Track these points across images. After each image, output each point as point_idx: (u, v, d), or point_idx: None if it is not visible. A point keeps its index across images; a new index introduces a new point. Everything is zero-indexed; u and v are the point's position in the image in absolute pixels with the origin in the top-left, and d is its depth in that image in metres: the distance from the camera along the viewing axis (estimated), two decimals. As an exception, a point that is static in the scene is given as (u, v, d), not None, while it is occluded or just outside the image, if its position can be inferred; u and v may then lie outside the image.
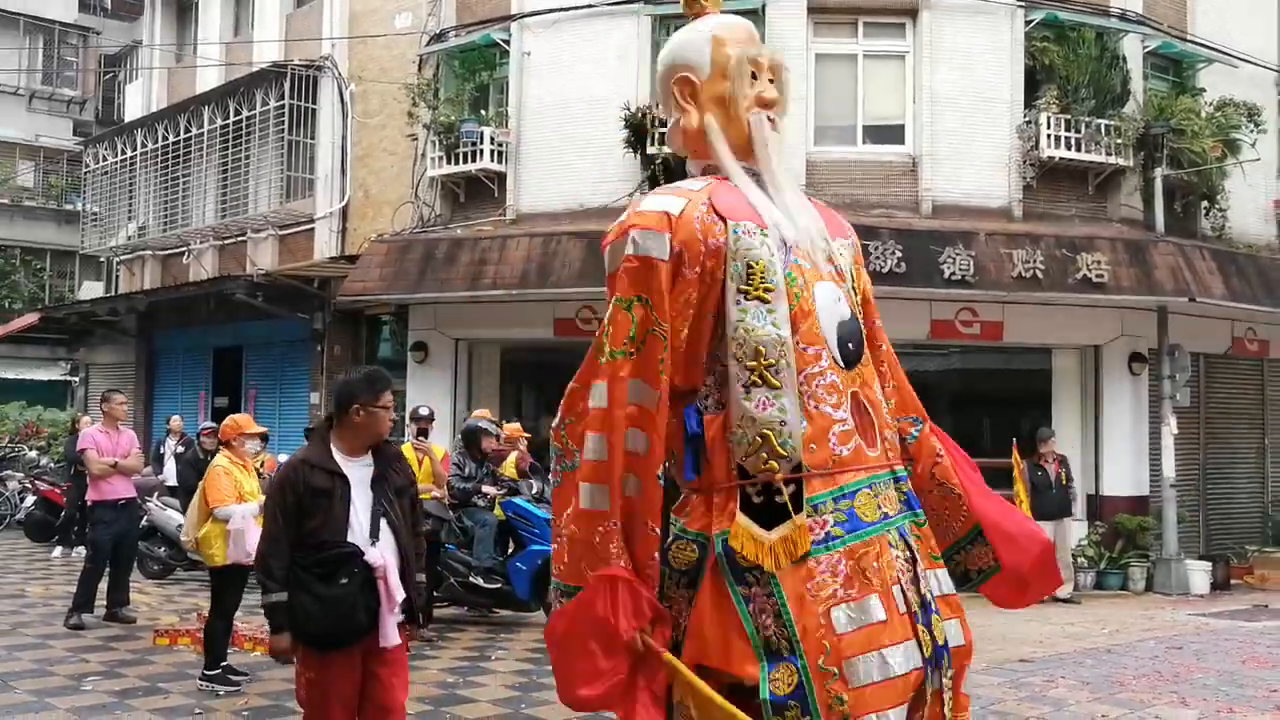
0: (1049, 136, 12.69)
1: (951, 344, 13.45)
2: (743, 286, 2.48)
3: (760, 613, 2.39)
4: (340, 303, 14.47)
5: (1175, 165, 13.30)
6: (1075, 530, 12.68)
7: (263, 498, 6.47)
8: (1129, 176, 13.37)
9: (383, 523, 4.20)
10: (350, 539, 4.11)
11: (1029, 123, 12.87)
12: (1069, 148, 12.78)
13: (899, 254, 11.89)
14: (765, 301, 2.48)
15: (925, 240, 12.12)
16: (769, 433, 2.45)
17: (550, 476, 2.70)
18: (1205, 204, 14.03)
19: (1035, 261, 12.10)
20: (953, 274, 12.01)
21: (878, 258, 11.62)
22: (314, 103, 16.59)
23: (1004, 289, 12.13)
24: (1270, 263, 14.27)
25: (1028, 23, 13.07)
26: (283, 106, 16.42)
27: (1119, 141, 12.99)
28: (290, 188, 16.99)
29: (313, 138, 16.67)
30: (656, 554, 2.49)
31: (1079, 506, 12.84)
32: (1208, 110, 13.66)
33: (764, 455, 2.45)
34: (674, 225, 2.46)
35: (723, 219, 2.50)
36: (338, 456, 4.21)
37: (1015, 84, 13.05)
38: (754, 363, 2.46)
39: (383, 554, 4.14)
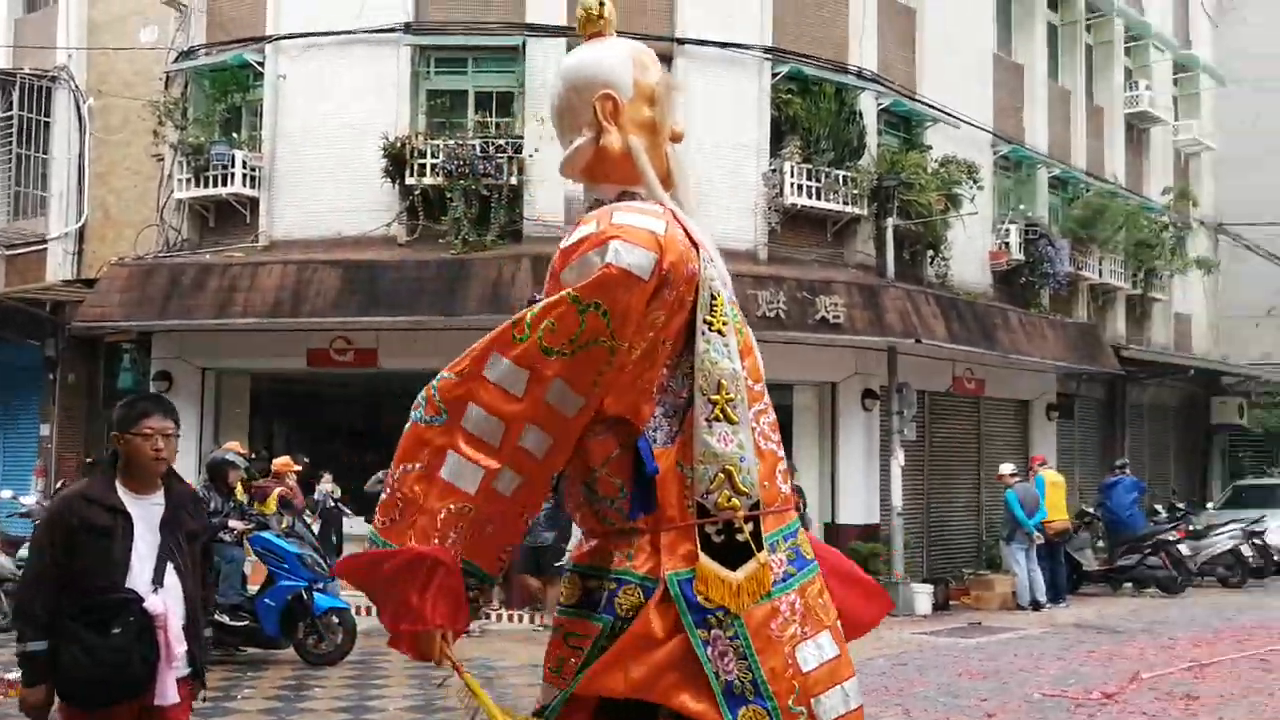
0: (793, 185, 13.49)
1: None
2: (707, 317, 2.40)
3: (721, 656, 2.30)
4: (76, 329, 13.59)
5: (905, 216, 14.40)
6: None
7: None
8: (863, 225, 14.39)
9: (169, 567, 3.79)
10: (129, 584, 3.70)
11: (774, 170, 13.63)
12: (810, 196, 13.63)
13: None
14: (723, 335, 2.42)
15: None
16: (731, 469, 2.36)
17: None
18: (930, 253, 15.27)
19: (779, 302, 12.81)
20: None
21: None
22: (47, 115, 15.54)
23: (751, 328, 12.71)
24: (986, 309, 15.66)
25: (774, 75, 13.86)
26: (10, 117, 15.30)
27: (855, 192, 13.97)
28: (20, 204, 15.82)
29: (46, 152, 15.60)
30: (497, 561, 2.41)
31: (817, 534, 13.63)
32: (933, 166, 14.89)
33: (727, 492, 2.36)
34: (662, 245, 2.32)
35: (694, 245, 2.42)
36: (122, 493, 3.81)
37: (762, 133, 13.80)
38: (717, 396, 2.37)
39: (164, 602, 3.74)
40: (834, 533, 14.06)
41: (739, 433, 2.39)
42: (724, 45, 13.66)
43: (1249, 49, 26.43)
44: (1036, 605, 13.85)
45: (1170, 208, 21.22)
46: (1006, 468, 14.48)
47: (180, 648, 3.80)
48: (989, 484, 15.94)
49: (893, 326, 13.40)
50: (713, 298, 2.42)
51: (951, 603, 14.42)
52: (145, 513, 3.80)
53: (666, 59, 13.53)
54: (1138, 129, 21.51)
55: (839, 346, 13.80)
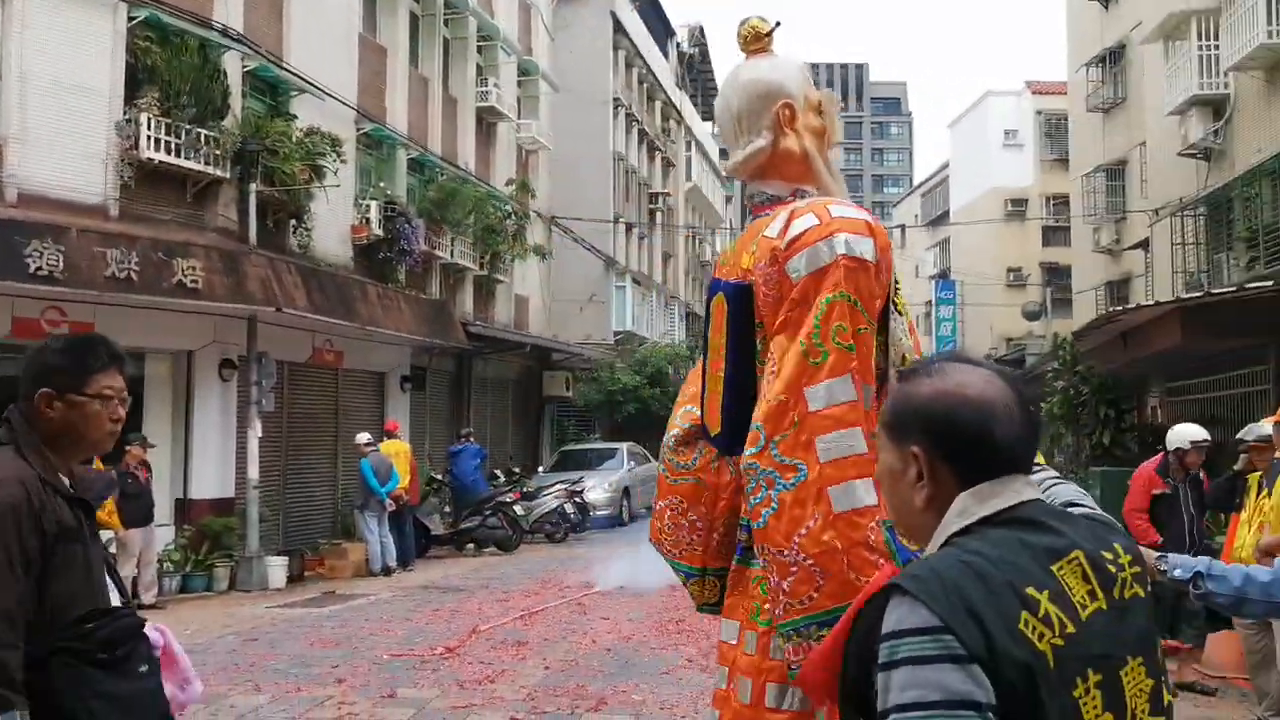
0: (149, 138, 12.48)
1: (37, 344, 12.44)
2: (895, 299, 2.48)
3: None
4: None
5: (269, 183, 14.06)
6: (162, 535, 12.63)
7: None
8: (226, 188, 13.78)
9: (110, 583, 2.56)
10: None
11: (129, 121, 12.51)
12: (169, 152, 12.72)
13: (-25, 243, 10.69)
14: (902, 315, 2.53)
15: (9, 231, 11.06)
16: None
17: (750, 517, 2.31)
18: (294, 222, 15.08)
19: (130, 263, 11.81)
20: (39, 269, 11.14)
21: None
22: None
23: (96, 289, 11.60)
24: (347, 281, 15.87)
25: (131, 19, 12.70)
26: None
27: (218, 153, 13.31)
28: None
29: None
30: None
31: (168, 511, 12.85)
32: (298, 135, 14.70)
33: None
34: (875, 232, 2.41)
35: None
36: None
37: (115, 79, 12.57)
38: (904, 369, 2.37)
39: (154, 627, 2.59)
40: (186, 507, 13.39)
41: None
42: (70, -26, 12.22)
43: (578, 64, 29.83)
44: (388, 570, 14.41)
45: (513, 198, 23.15)
46: (362, 437, 14.83)
47: (198, 684, 2.79)
48: (346, 455, 16.21)
49: (254, 294, 13.06)
50: (896, 282, 2.52)
51: (307, 574, 14.48)
52: None
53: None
54: (487, 122, 23.15)
55: (196, 313, 13.10)
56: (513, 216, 22.70)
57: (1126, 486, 10.85)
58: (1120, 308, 15.27)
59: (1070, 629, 1.37)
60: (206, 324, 13.47)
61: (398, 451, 15.36)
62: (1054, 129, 35.12)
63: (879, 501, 2.19)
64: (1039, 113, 36.80)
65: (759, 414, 2.33)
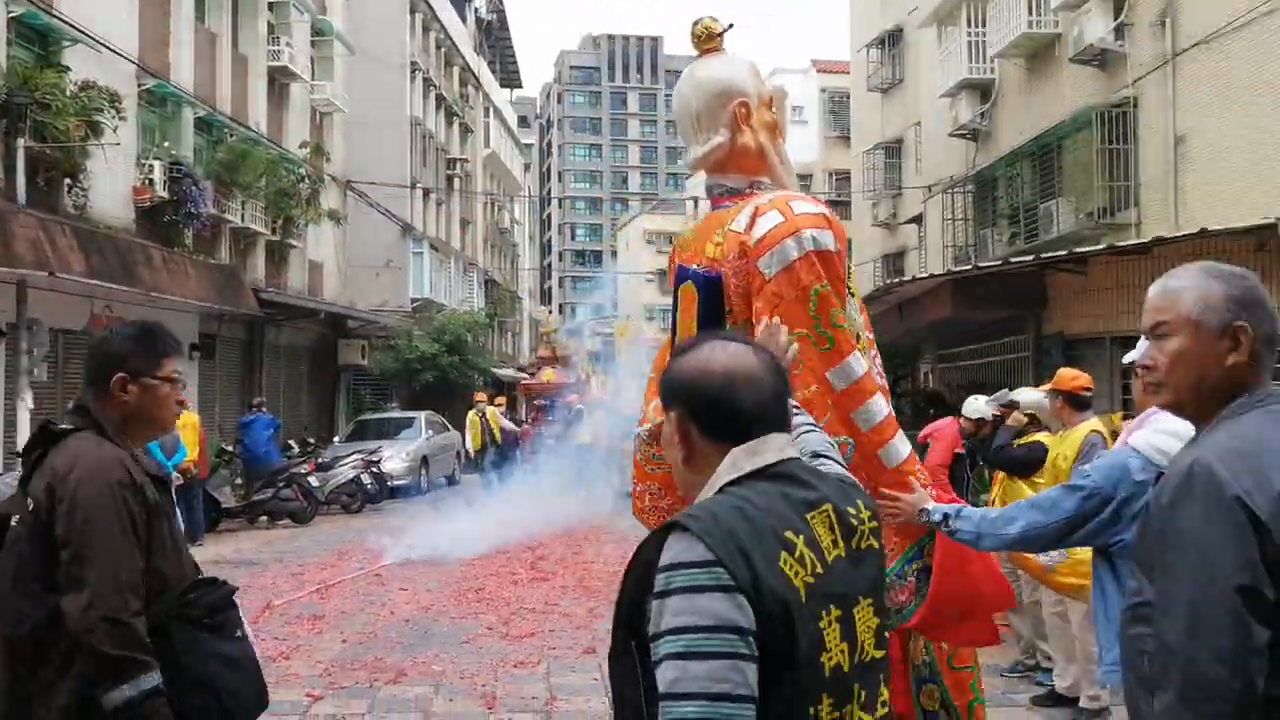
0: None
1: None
2: (849, 283, 2.77)
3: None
4: None
5: (39, 138, 13.14)
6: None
7: None
8: (-10, 143, 12.80)
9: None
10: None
11: None
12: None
13: None
14: (854, 296, 2.82)
15: None
16: None
17: None
18: (69, 182, 14.16)
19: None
20: None
21: None
22: None
23: None
24: (129, 245, 15.02)
25: None
26: None
27: (-21, 104, 12.35)
28: None
29: None
30: None
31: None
32: (72, 89, 13.78)
33: None
34: (832, 224, 2.68)
35: None
36: None
37: None
38: (860, 344, 2.77)
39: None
40: (-53, 488, 12.44)
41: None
42: None
43: (373, 26, 29.03)
44: (178, 546, 13.82)
45: (307, 161, 22.40)
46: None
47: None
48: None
49: (23, 257, 12.19)
50: (849, 266, 2.82)
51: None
52: None
53: None
54: (279, 83, 22.28)
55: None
56: (306, 180, 21.99)
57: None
58: (897, 280, 16.22)
59: (819, 569, 1.59)
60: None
61: (185, 423, 14.70)
62: (837, 106, 36.61)
63: (912, 453, 2.76)
64: (823, 90, 38.25)
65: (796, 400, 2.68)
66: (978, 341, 15.44)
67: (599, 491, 16.67)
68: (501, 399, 22.23)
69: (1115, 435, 8.20)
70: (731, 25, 3.06)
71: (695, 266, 2.85)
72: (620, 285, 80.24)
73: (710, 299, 2.76)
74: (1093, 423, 5.76)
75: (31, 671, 2.48)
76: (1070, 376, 5.95)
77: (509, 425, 21.46)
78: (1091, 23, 14.58)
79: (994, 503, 6.74)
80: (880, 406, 2.65)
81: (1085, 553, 5.67)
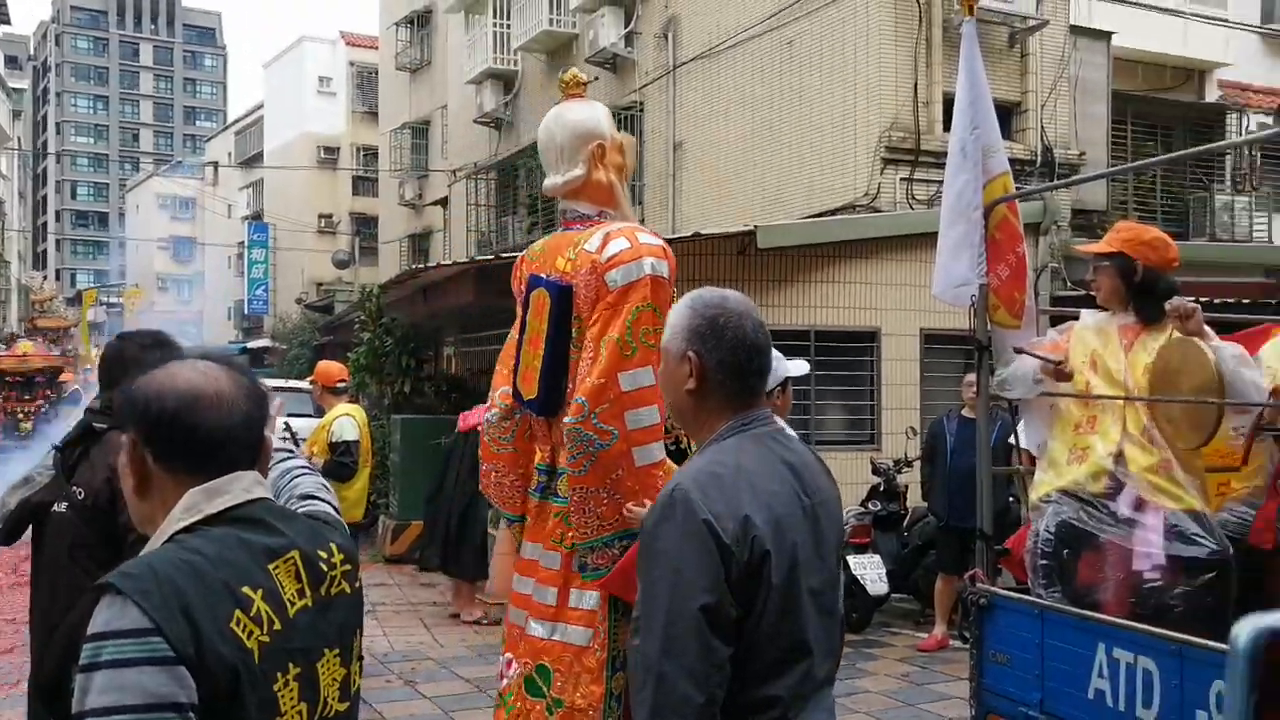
0: None
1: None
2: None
3: None
4: None
5: None
6: None
7: None
8: None
9: None
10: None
11: None
12: None
13: None
14: None
15: None
16: None
17: (571, 467, 3.04)
18: None
19: None
20: None
21: None
22: None
23: None
24: None
25: None
26: None
27: None
28: None
29: None
30: None
31: None
32: None
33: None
34: (668, 255, 3.16)
35: None
36: None
37: None
38: None
39: None
40: None
41: None
42: None
43: None
44: None
45: None
46: None
47: None
48: None
49: None
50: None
51: None
52: None
53: None
54: None
55: None
56: None
57: (422, 431, 11.57)
58: (422, 265, 16.06)
59: (278, 626, 1.48)
60: None
61: None
62: (365, 81, 35.79)
63: (662, 459, 3.06)
64: (352, 64, 37.22)
65: (583, 390, 3.01)
66: (498, 328, 15.69)
67: None
68: None
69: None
70: (596, 79, 3.53)
71: (547, 275, 3.28)
72: (130, 251, 73.14)
73: (562, 305, 3.20)
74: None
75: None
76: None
77: None
78: (605, 28, 15.29)
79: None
80: (654, 416, 3.02)
81: None
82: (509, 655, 3.24)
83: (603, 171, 3.41)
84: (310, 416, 11.40)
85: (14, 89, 55.75)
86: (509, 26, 18.67)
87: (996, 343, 4.32)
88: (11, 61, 66.14)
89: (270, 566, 1.51)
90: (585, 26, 16.11)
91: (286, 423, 7.49)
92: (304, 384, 15.85)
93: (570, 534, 3.11)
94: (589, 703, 3.03)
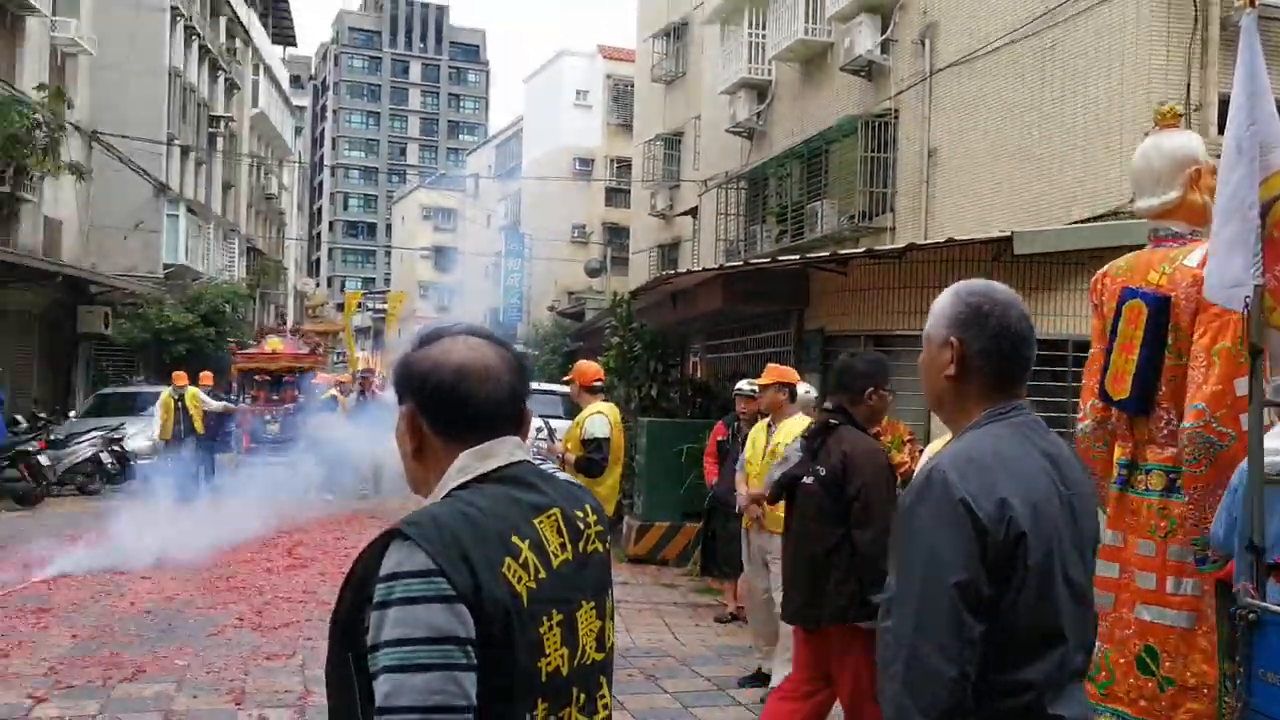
0: None
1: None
2: None
3: None
4: None
5: None
6: None
7: None
8: None
9: None
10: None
11: None
12: None
13: None
14: None
15: None
16: None
17: (1192, 467, 3.34)
18: None
19: None
20: None
21: None
22: None
23: None
24: None
25: None
26: None
27: None
28: None
29: None
30: None
31: None
32: None
33: None
34: None
35: None
36: None
37: None
38: None
39: None
40: None
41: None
42: None
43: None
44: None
45: (45, 106, 20.53)
46: None
47: None
48: None
49: None
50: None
51: None
52: None
53: None
54: (12, 14, 20.33)
55: None
56: (43, 127, 20.15)
57: (668, 434, 11.91)
58: (671, 272, 16.44)
59: (543, 574, 1.60)
60: None
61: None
62: (621, 94, 36.90)
63: None
64: (608, 77, 38.47)
65: (1202, 397, 3.31)
66: (744, 334, 15.86)
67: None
68: (207, 373, 17.83)
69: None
70: (1187, 111, 4.00)
71: (1141, 288, 3.57)
72: (395, 260, 78.29)
73: (1159, 315, 3.48)
74: (804, 417, 6.34)
75: (826, 573, 4.42)
76: (790, 371, 6.72)
77: (213, 404, 16.95)
78: (861, 36, 15.19)
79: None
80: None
81: None
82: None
83: (1198, 194, 3.68)
84: (560, 419, 11.84)
85: (297, 106, 60.87)
86: (764, 36, 18.83)
87: (1274, 347, 4.09)
88: (295, 81, 72.05)
89: (535, 521, 1.64)
90: (840, 35, 16.06)
91: (545, 422, 7.89)
92: (556, 387, 16.54)
93: (1169, 526, 3.46)
94: (1201, 681, 3.32)
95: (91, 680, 6.52)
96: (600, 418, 7.29)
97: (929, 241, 11.22)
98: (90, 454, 16.79)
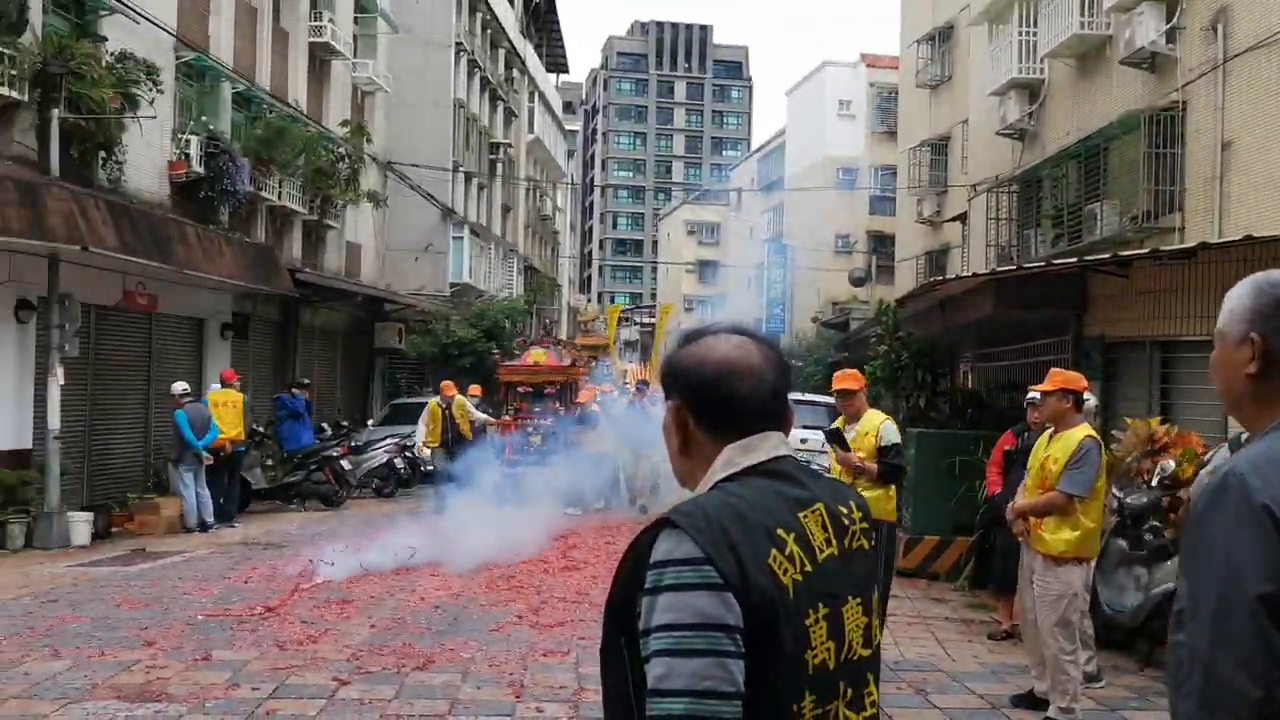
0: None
1: None
2: None
3: None
4: None
5: (74, 109, 13.15)
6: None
7: None
8: (24, 112, 12.82)
9: None
10: None
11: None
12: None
13: None
14: None
15: None
16: None
17: None
18: (103, 154, 14.16)
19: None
20: None
21: None
22: None
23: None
24: (163, 221, 15.05)
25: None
26: None
27: (13, 73, 12.33)
28: None
29: None
30: None
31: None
32: (109, 60, 13.79)
33: None
34: None
35: None
36: None
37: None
38: None
39: None
40: (-23, 460, 12.51)
41: None
42: None
43: (419, 4, 29.00)
44: (204, 526, 13.86)
45: (347, 140, 22.38)
46: (178, 387, 14.15)
47: None
48: (161, 404, 15.44)
49: (55, 231, 12.20)
50: None
51: (114, 530, 13.73)
52: None
53: None
54: (320, 59, 22.28)
55: (-10, 250, 12.18)
56: (346, 160, 21.97)
57: (939, 446, 11.51)
58: (940, 278, 15.93)
59: (808, 567, 1.61)
60: (0, 261, 12.53)
61: (228, 401, 14.71)
62: (885, 101, 36.17)
63: None
64: (872, 85, 37.82)
65: None
66: (1017, 342, 15.14)
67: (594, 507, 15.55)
68: (476, 387, 18.41)
69: (1152, 439, 8.12)
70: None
71: None
72: (660, 275, 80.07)
73: None
74: (1086, 427, 6.03)
75: None
76: (1077, 378, 6.22)
77: (478, 415, 17.16)
78: (1143, 25, 14.14)
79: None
80: None
81: (1089, 519, 5.89)
82: None
83: None
84: (819, 429, 11.61)
85: (569, 130, 63.41)
86: (1035, 34, 17.94)
87: None
88: (568, 107, 75.15)
89: (800, 515, 1.65)
90: (1120, 26, 15.04)
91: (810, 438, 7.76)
92: (819, 398, 16.31)
93: None
94: None
95: (387, 667, 7.00)
96: (892, 423, 7.25)
97: (1223, 240, 10.31)
98: (385, 460, 18.09)
